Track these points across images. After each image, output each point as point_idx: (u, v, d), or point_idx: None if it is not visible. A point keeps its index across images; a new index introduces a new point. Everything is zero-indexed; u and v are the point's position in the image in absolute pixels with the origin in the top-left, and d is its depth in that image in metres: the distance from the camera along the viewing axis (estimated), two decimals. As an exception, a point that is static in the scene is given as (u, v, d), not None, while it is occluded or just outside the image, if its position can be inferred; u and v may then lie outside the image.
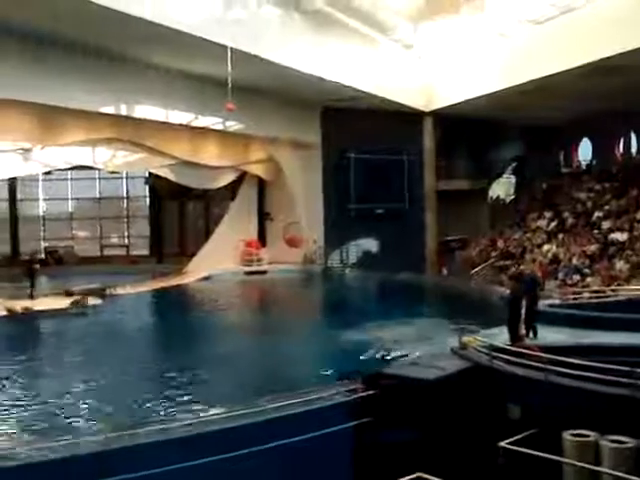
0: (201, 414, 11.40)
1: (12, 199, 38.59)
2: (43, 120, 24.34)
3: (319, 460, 10.66)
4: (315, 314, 24.94)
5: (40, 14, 19.09)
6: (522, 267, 26.27)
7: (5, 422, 11.87)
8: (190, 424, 10.41)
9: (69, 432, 10.74)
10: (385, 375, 12.17)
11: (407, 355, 15.28)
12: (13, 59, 20.96)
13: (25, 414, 12.26)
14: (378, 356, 15.67)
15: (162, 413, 11.98)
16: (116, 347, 17.93)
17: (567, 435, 10.02)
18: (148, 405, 12.57)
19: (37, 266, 27.18)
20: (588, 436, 9.95)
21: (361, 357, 15.65)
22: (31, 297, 24.99)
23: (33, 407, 12.65)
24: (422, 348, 15.71)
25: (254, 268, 34.30)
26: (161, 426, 10.40)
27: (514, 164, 38.91)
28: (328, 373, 14.32)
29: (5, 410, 12.53)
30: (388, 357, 15.44)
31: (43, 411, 12.41)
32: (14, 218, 38.76)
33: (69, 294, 25.26)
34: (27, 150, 25.94)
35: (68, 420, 11.83)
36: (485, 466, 10.21)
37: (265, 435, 10.37)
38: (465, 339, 13.70)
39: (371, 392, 11.65)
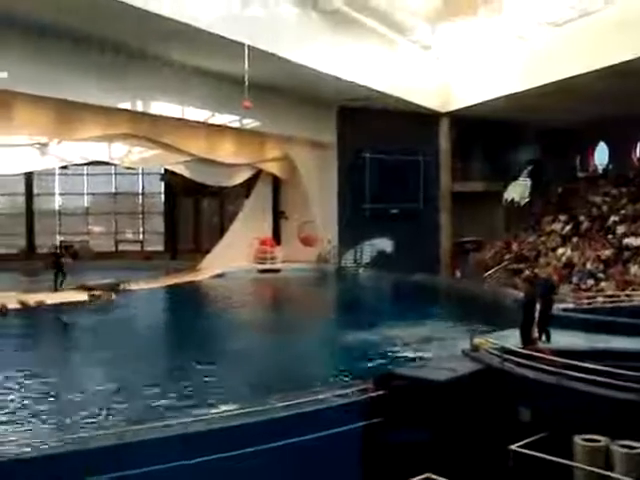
0: (211, 411, 11.41)
1: (29, 193, 38.77)
2: (60, 115, 24.44)
3: (328, 459, 10.64)
4: (327, 313, 24.91)
5: (54, 8, 19.11)
6: (537, 270, 26.14)
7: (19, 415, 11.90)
8: (198, 421, 10.40)
9: (81, 426, 10.82)
10: (396, 375, 12.13)
11: (418, 356, 15.27)
12: (29, 53, 21.02)
13: (35, 408, 12.29)
14: (389, 357, 15.63)
15: (171, 410, 11.95)
16: (127, 342, 17.91)
17: (578, 439, 9.95)
18: (155, 401, 12.57)
19: (65, 260, 27.38)
20: (599, 441, 9.87)
21: (372, 357, 15.62)
22: (57, 290, 25.42)
23: (44, 402, 12.69)
24: (433, 349, 15.71)
25: (268, 266, 34.31)
26: (167, 422, 10.38)
27: (530, 167, 38.70)
28: (338, 372, 14.30)
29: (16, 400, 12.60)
30: (399, 358, 15.39)
31: (51, 406, 12.46)
32: (30, 212, 38.94)
33: (83, 289, 25.40)
34: (44, 145, 26.03)
35: (78, 414, 11.85)
36: (495, 469, 10.16)
37: (274, 433, 10.35)
38: (477, 341, 13.64)
39: (381, 392, 11.61)
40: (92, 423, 11.21)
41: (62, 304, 23.10)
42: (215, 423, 10.37)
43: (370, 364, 14.91)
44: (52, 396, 13.00)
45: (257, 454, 10.02)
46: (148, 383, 13.76)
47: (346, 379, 13.31)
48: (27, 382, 13.94)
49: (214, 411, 11.38)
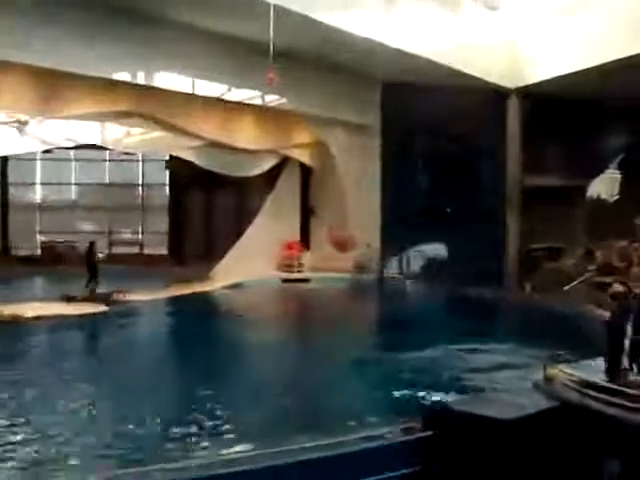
0: (232, 451, 11.42)
1: (3, 183, 39.15)
2: (43, 87, 24.68)
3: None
4: (367, 334, 24.87)
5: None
6: (630, 285, 25.85)
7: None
8: (220, 463, 10.43)
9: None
10: (450, 412, 12.03)
11: (478, 388, 15.17)
12: (10, 13, 21.29)
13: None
14: (442, 387, 15.54)
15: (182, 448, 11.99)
16: (118, 365, 17.98)
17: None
18: (170, 436, 12.61)
19: (99, 257, 27.84)
20: None
21: (421, 388, 15.54)
22: (92, 292, 26.53)
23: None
24: (497, 380, 15.61)
25: (294, 276, 34.37)
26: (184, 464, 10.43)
27: (620, 156, 38.38)
28: (381, 406, 14.26)
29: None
30: (454, 390, 15.31)
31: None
32: (5, 206, 39.28)
33: (68, 299, 25.62)
34: (22, 123, 26.30)
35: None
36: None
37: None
38: (551, 371, 13.52)
39: (431, 433, 11.54)
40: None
41: (43, 317, 23.31)
42: (237, 465, 10.39)
43: (418, 396, 14.85)
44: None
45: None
46: (160, 417, 13.82)
47: (388, 415, 13.23)
48: None
49: (235, 452, 11.39)
